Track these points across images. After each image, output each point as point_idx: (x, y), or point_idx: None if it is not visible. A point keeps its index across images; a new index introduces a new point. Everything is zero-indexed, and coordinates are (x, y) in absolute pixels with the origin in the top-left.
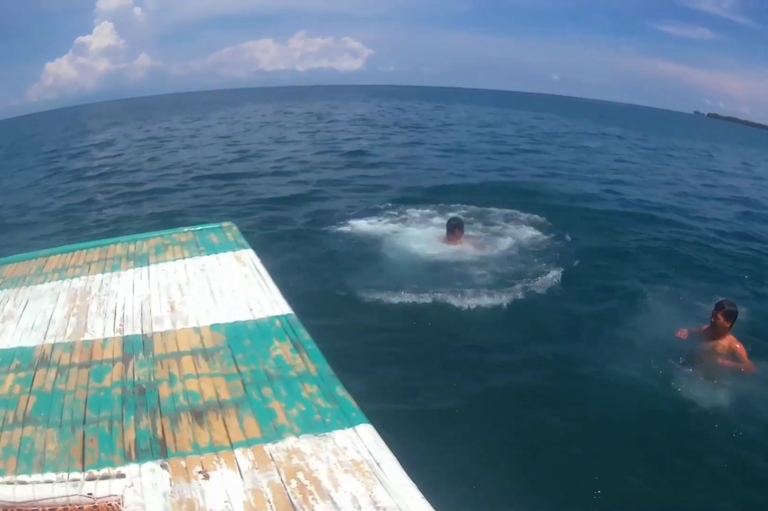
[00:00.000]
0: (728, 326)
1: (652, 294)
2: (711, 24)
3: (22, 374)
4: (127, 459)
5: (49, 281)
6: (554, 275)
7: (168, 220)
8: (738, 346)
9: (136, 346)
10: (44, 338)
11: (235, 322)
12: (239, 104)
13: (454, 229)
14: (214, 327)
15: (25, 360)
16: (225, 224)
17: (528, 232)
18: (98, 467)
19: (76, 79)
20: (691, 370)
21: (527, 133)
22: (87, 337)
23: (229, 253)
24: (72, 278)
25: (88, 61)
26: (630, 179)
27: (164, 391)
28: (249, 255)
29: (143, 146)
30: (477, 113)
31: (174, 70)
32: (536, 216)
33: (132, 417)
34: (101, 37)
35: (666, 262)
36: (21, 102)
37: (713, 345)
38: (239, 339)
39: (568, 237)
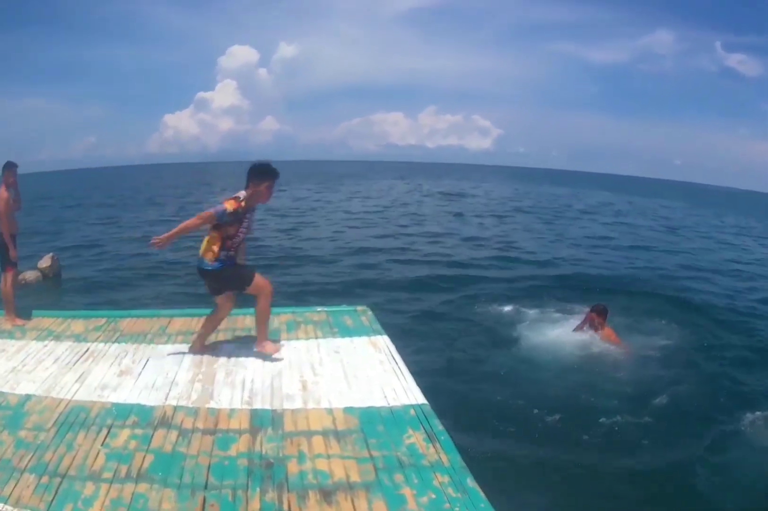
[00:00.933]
0: None
1: None
2: None
3: (139, 431)
4: None
5: (173, 343)
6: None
7: (298, 295)
8: None
9: (264, 420)
10: (166, 399)
11: (370, 407)
12: (371, 178)
13: (594, 315)
14: (348, 410)
15: (144, 418)
16: (360, 308)
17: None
18: None
19: (197, 135)
20: None
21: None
22: (213, 404)
23: (364, 338)
24: None
25: (210, 118)
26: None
27: (293, 467)
28: (384, 341)
29: (278, 215)
30: (611, 200)
31: (302, 137)
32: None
33: (258, 489)
34: (224, 94)
35: None
36: (140, 151)
37: None
38: (373, 424)
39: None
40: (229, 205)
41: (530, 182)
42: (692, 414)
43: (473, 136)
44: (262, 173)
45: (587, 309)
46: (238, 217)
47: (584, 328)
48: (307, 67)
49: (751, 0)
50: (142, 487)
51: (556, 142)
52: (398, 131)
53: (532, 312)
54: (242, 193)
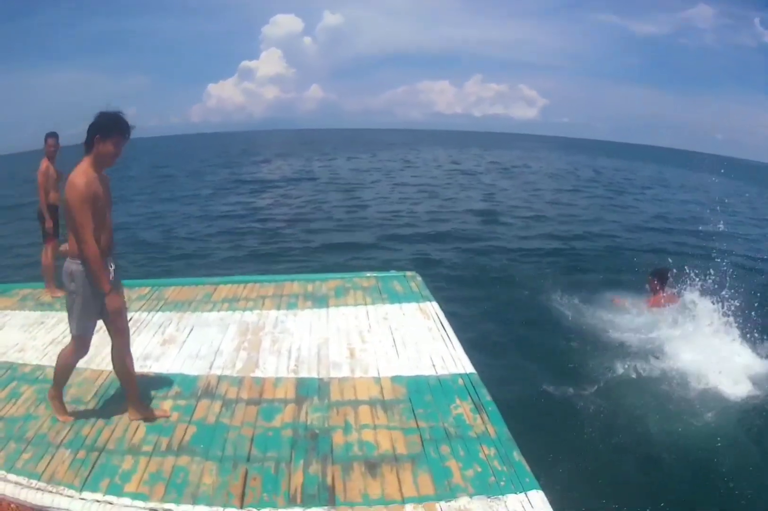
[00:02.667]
0: None
1: None
2: None
3: (182, 402)
4: (291, 503)
5: (218, 311)
6: None
7: (348, 260)
8: None
9: (311, 389)
10: (210, 369)
11: (418, 376)
12: (417, 147)
13: (653, 283)
14: (396, 379)
15: (187, 388)
16: (409, 273)
17: None
18: (258, 506)
19: (242, 104)
20: None
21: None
22: (258, 373)
23: (413, 304)
24: (244, 311)
25: (254, 87)
26: None
27: (338, 438)
28: (434, 308)
29: (334, 183)
30: (664, 175)
31: (347, 105)
32: None
33: (302, 461)
34: (269, 63)
35: None
36: (183, 121)
37: None
38: (420, 394)
39: None
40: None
41: (580, 154)
42: None
43: (519, 105)
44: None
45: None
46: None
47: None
48: (351, 35)
49: None
50: (183, 460)
51: (598, 113)
52: (444, 100)
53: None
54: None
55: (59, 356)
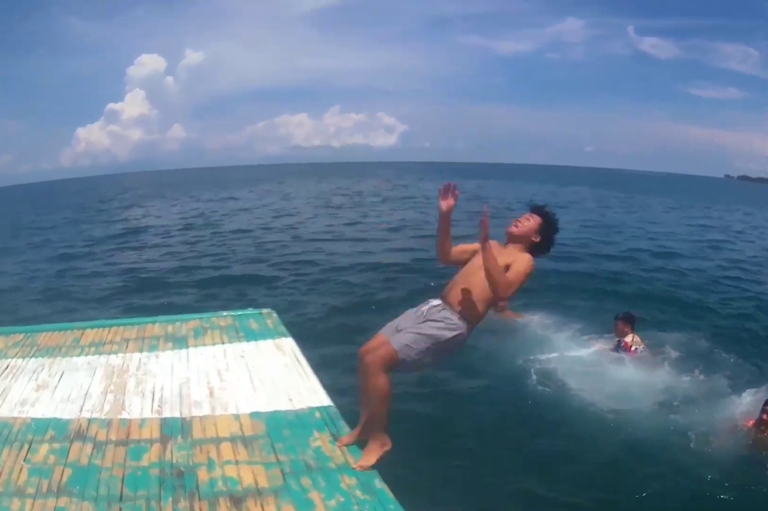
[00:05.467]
0: None
1: None
2: (738, 82)
3: (57, 445)
4: None
5: (86, 355)
6: None
7: (205, 302)
8: None
9: (174, 428)
10: (80, 412)
11: (275, 411)
12: (278, 180)
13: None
14: (254, 415)
15: (60, 432)
16: (265, 311)
17: None
18: None
19: (108, 147)
20: None
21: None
22: (125, 415)
23: (269, 341)
24: (109, 354)
25: (120, 130)
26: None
27: (203, 475)
28: (289, 344)
29: (180, 222)
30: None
31: (208, 143)
32: None
33: (170, 498)
34: (133, 105)
35: None
36: (54, 166)
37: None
38: (279, 429)
39: None
40: None
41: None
42: None
43: (378, 133)
44: None
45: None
46: None
47: None
48: (212, 72)
49: None
50: (63, 501)
51: (463, 135)
52: (303, 132)
53: None
54: None
55: None
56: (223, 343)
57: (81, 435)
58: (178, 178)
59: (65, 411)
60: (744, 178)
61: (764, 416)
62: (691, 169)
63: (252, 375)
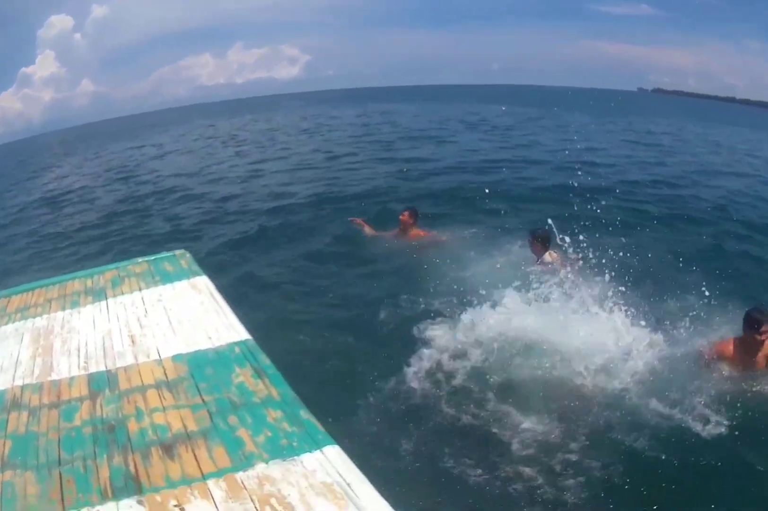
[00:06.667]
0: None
1: None
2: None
3: None
4: (104, 498)
5: (13, 322)
6: None
7: (127, 249)
8: None
9: (101, 382)
10: (13, 381)
11: (196, 351)
12: (182, 123)
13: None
14: (176, 358)
15: None
16: (178, 252)
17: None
18: (78, 507)
19: (21, 111)
20: None
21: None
22: (54, 377)
23: (184, 282)
24: (34, 318)
25: (32, 92)
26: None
27: (133, 426)
28: (204, 282)
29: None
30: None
31: (117, 94)
32: None
33: (105, 455)
34: (44, 66)
35: None
36: None
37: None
38: (201, 368)
39: None
40: None
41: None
42: None
43: (282, 66)
44: None
45: None
46: None
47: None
48: (118, 24)
49: None
50: (8, 474)
51: (366, 61)
52: (207, 72)
53: None
54: None
55: None
56: (140, 289)
57: (16, 404)
58: (88, 131)
59: None
60: (658, 90)
61: (756, 336)
62: (603, 84)
63: (171, 318)
